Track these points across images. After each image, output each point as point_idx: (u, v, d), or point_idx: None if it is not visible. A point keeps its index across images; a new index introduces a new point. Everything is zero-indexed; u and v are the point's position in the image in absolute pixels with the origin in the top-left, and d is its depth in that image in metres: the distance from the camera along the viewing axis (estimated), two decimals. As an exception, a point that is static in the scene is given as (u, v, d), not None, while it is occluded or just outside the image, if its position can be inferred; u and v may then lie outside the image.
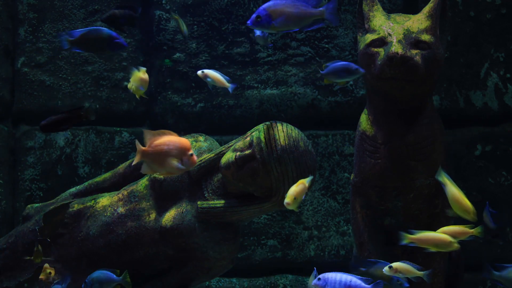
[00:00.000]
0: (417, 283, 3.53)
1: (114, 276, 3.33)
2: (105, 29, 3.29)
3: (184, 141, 2.92)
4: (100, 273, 3.33)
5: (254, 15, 3.06)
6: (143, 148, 2.91)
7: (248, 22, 3.07)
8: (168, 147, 2.89)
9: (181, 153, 2.90)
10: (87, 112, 3.39)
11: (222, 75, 3.62)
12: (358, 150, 3.66)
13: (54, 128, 3.42)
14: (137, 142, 2.93)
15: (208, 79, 3.63)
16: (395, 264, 3.23)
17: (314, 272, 3.10)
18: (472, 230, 3.24)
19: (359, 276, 3.03)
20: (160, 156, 2.89)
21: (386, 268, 3.21)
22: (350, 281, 3.00)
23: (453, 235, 3.25)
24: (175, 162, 2.90)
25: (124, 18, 3.50)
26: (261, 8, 3.06)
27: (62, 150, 4.68)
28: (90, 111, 3.40)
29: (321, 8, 3.08)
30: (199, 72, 3.62)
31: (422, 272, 3.22)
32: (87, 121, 3.42)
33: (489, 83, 4.58)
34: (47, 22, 4.70)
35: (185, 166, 2.91)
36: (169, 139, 2.91)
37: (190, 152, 2.90)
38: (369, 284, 3.02)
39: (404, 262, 3.24)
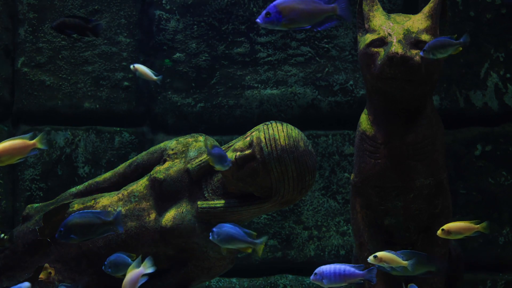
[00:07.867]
0: (417, 282, 3.54)
1: (129, 260, 3.33)
2: None
3: None
4: (117, 256, 3.33)
5: (263, 12, 2.93)
6: None
7: (258, 19, 2.94)
8: None
9: None
10: (95, 27, 3.51)
11: (150, 70, 3.85)
12: (358, 150, 3.66)
13: (61, 29, 3.55)
14: None
15: (137, 73, 3.87)
16: (380, 254, 3.23)
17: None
18: (478, 226, 3.25)
19: (352, 264, 3.16)
20: None
21: (370, 258, 3.23)
22: (344, 270, 3.12)
23: (458, 231, 3.25)
24: None
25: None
26: (271, 5, 2.91)
27: (62, 150, 4.68)
28: (99, 27, 3.52)
29: (333, 4, 2.97)
30: (131, 66, 3.86)
31: (406, 262, 3.22)
32: (95, 35, 3.53)
33: (489, 83, 4.58)
34: (47, 22, 4.69)
35: None
36: None
37: None
38: (362, 270, 3.12)
39: (388, 252, 3.24)
